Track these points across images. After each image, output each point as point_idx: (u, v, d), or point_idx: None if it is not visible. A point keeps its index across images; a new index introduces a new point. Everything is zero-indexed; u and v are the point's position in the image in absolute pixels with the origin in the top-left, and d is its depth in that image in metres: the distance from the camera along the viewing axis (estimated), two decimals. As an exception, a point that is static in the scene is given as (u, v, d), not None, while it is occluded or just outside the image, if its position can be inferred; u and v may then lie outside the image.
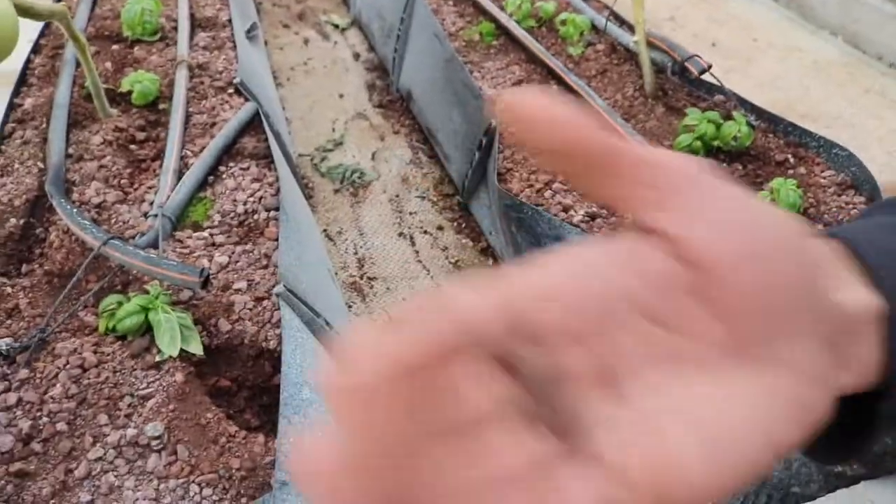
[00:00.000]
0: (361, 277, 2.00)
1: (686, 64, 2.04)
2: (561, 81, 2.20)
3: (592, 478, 0.26)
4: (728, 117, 1.91)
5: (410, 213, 2.27)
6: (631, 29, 2.43)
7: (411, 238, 2.17)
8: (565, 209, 1.70)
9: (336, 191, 2.32)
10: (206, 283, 1.21)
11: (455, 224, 2.23)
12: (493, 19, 2.56)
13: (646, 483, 0.26)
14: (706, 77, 2.10)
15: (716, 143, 1.87)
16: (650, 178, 0.30)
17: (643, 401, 0.27)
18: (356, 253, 2.09)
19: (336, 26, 3.53)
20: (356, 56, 3.24)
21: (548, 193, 1.75)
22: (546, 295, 0.27)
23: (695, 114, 1.92)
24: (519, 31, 2.43)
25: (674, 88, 2.16)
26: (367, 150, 2.55)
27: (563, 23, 2.41)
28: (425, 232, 2.19)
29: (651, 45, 2.15)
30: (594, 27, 2.46)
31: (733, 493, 0.30)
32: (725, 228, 0.30)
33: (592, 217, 1.68)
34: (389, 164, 2.49)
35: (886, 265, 0.43)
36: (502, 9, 2.59)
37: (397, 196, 2.33)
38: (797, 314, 0.31)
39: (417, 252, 2.12)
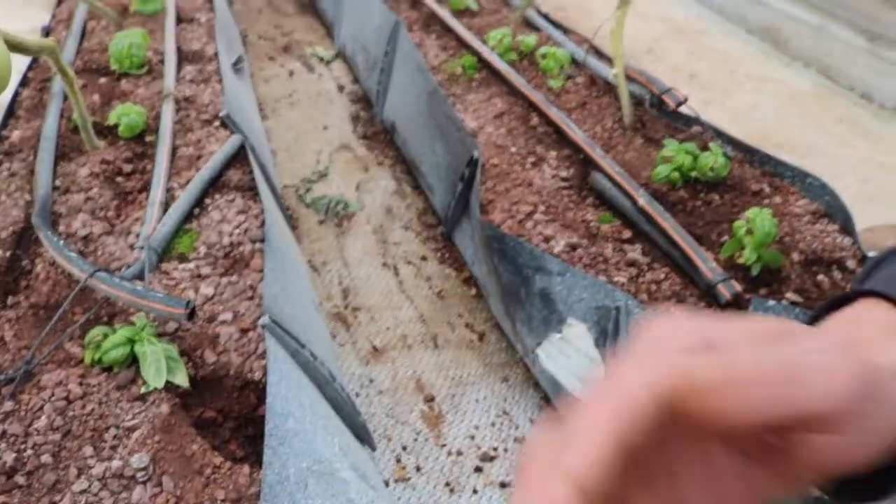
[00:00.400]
0: (346, 308, 2.02)
1: (663, 97, 2.08)
2: (541, 114, 2.24)
3: None
4: (705, 148, 1.95)
5: (394, 244, 2.29)
6: (610, 62, 2.48)
7: (395, 268, 2.19)
8: (546, 239, 1.73)
9: (321, 222, 2.35)
10: (192, 315, 1.22)
11: (438, 254, 2.25)
12: (475, 53, 2.60)
13: None
14: (684, 109, 2.15)
15: (693, 173, 1.91)
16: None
17: None
18: (341, 283, 2.11)
19: (321, 59, 3.57)
20: (341, 88, 3.28)
21: (529, 224, 1.78)
22: None
23: (672, 145, 1.96)
24: (500, 65, 2.47)
25: (652, 120, 2.20)
26: (352, 181, 2.58)
27: (544, 56, 2.46)
28: (409, 262, 2.22)
29: (630, 78, 2.20)
30: (574, 60, 2.51)
31: None
32: None
33: (573, 247, 1.70)
34: (374, 194, 2.52)
35: None
36: (484, 42, 2.63)
37: (381, 226, 2.36)
38: None
39: (401, 282, 2.14)
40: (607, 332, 1.53)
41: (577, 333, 1.58)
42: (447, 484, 1.61)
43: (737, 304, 1.57)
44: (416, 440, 1.70)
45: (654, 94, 2.13)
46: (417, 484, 1.61)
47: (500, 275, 1.74)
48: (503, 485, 1.61)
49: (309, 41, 3.80)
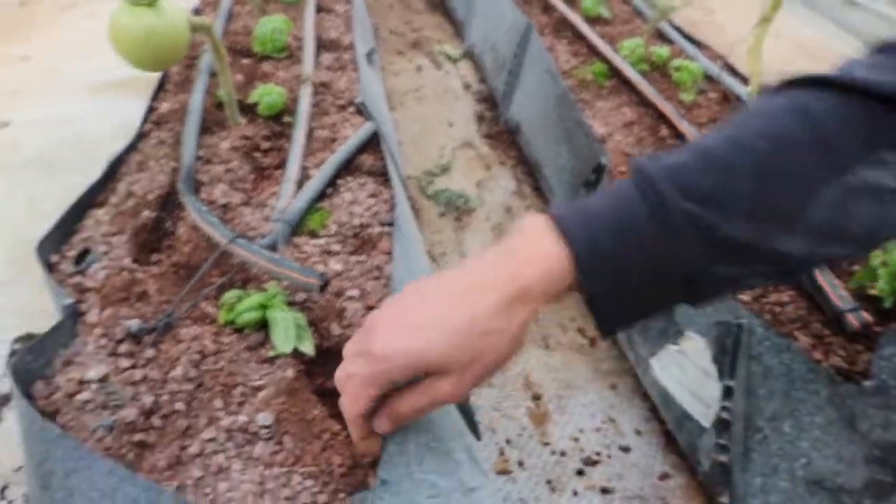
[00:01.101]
0: (460, 300, 2.04)
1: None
2: (671, 126, 2.21)
3: None
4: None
5: (511, 242, 2.31)
6: (744, 80, 2.44)
7: (510, 266, 2.21)
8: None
9: (441, 214, 2.39)
10: (324, 287, 1.27)
11: (554, 257, 2.26)
12: (607, 60, 2.59)
13: None
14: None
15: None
16: None
17: None
18: (456, 275, 2.14)
19: (449, 57, 3.62)
20: (467, 86, 3.33)
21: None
22: None
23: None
24: (632, 74, 2.46)
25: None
26: (473, 178, 2.61)
27: (678, 69, 2.43)
28: (524, 262, 2.23)
29: (766, 96, 2.15)
30: (707, 76, 2.48)
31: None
32: None
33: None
34: (494, 193, 2.54)
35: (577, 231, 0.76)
36: (616, 51, 2.62)
37: (500, 224, 2.38)
38: None
39: (515, 280, 2.15)
40: (726, 348, 1.51)
41: (695, 347, 1.56)
42: (548, 482, 1.62)
43: (865, 334, 1.52)
44: (520, 435, 1.71)
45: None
46: (519, 478, 1.62)
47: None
48: (604, 490, 1.61)
49: (438, 39, 3.87)
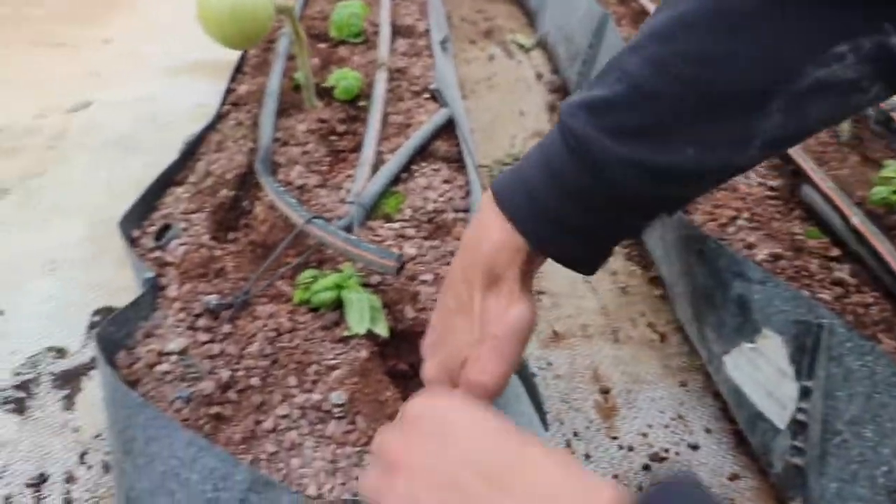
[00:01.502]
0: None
1: (892, 114, 1.96)
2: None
3: None
4: (931, 173, 1.83)
5: (581, 234, 2.29)
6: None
7: (580, 258, 2.19)
8: (748, 246, 1.68)
9: (510, 203, 2.38)
10: (400, 269, 1.28)
11: (625, 250, 2.23)
12: (685, 52, 2.54)
13: None
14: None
15: (915, 198, 1.79)
16: None
17: None
18: (525, 265, 2.13)
19: (521, 46, 3.60)
20: (539, 76, 3.30)
21: (731, 229, 1.73)
22: None
23: (894, 166, 1.84)
24: (711, 66, 2.40)
25: (871, 139, 2.08)
26: (543, 168, 2.60)
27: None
28: (594, 253, 2.21)
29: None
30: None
31: None
32: None
33: (776, 258, 1.64)
34: (563, 183, 2.52)
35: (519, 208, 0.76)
36: (695, 42, 2.57)
37: (569, 215, 2.36)
38: None
39: (585, 272, 2.14)
40: (805, 348, 1.47)
41: (772, 346, 1.53)
42: (615, 476, 1.60)
43: (953, 339, 1.47)
44: (587, 428, 1.70)
45: (881, 110, 2.01)
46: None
47: (695, 277, 1.70)
48: (671, 486, 1.58)
49: (510, 28, 3.85)
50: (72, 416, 1.76)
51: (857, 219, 1.69)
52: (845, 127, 2.06)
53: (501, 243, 0.77)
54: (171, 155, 1.98)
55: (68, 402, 1.80)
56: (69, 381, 1.86)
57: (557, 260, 0.80)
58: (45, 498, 1.58)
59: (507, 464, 0.55)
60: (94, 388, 1.83)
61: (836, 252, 1.71)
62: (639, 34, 0.74)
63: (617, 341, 1.92)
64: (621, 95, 0.69)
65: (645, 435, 1.69)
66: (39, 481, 1.62)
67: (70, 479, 1.62)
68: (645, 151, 0.68)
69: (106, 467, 1.65)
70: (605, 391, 1.78)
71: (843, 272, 1.64)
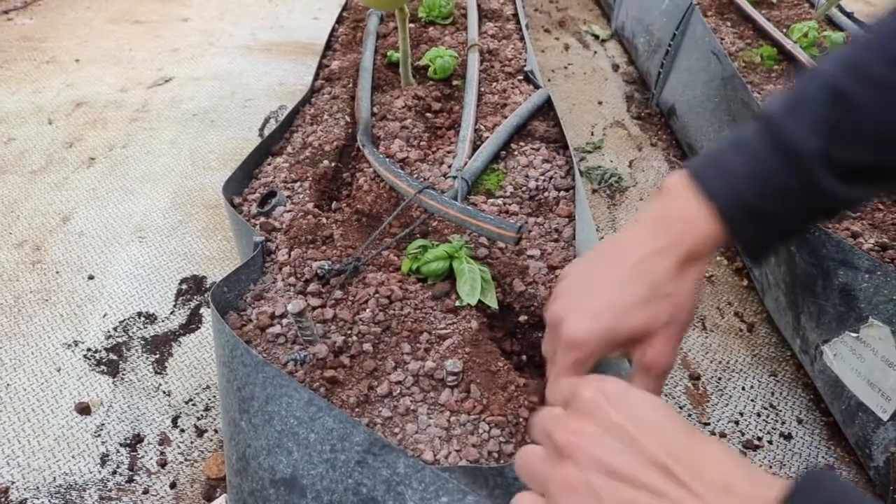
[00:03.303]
0: (615, 275, 2.02)
1: None
2: (848, 112, 2.11)
3: None
4: None
5: (665, 223, 2.27)
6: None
7: (666, 246, 2.17)
8: (853, 235, 1.64)
9: (594, 190, 2.36)
10: (518, 241, 1.27)
11: (710, 240, 2.21)
12: (776, 44, 2.50)
13: None
14: None
15: None
16: None
17: None
18: (611, 251, 2.11)
19: (596, 37, 3.57)
20: (615, 67, 3.27)
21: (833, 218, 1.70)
22: None
23: None
24: (804, 58, 2.36)
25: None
26: (625, 158, 2.57)
27: (856, 54, 2.32)
28: (680, 243, 2.19)
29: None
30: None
31: None
32: None
33: (883, 247, 1.61)
34: (646, 173, 2.50)
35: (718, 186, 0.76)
36: (786, 35, 2.53)
37: (653, 204, 2.34)
38: None
39: (671, 261, 2.11)
40: (916, 340, 1.43)
41: (878, 335, 1.49)
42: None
43: None
44: (679, 413, 1.68)
45: None
46: (678, 457, 1.59)
47: (796, 265, 1.67)
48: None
49: (584, 19, 3.82)
50: (163, 381, 1.79)
51: (966, 212, 1.65)
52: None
53: (700, 227, 0.79)
54: (251, 130, 2.00)
55: (159, 367, 1.83)
56: (159, 346, 1.89)
57: (743, 246, 0.81)
58: (140, 458, 1.60)
59: (689, 459, 0.54)
60: (183, 353, 1.86)
61: (943, 246, 1.67)
62: (873, 35, 0.75)
63: (705, 329, 1.90)
64: (821, 97, 0.72)
65: (737, 423, 1.67)
66: (135, 441, 1.65)
67: (164, 440, 1.65)
68: (840, 149, 0.71)
69: (199, 432, 1.67)
70: (695, 378, 1.76)
71: (952, 266, 1.60)
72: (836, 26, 2.73)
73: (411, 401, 1.18)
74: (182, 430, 1.66)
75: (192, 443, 1.63)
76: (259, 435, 1.13)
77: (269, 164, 1.73)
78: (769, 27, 2.58)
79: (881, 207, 1.76)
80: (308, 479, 1.07)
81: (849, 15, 2.78)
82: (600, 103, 2.92)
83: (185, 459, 1.60)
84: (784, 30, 2.59)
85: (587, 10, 3.93)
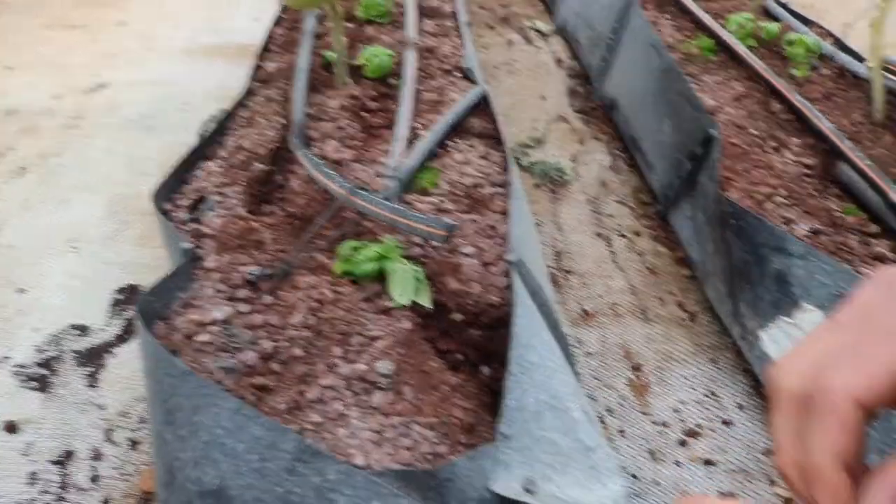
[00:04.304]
0: (558, 269, 2.01)
1: (930, 93, 1.94)
2: (783, 101, 2.14)
3: None
4: (969, 155, 1.80)
5: (608, 216, 2.27)
6: (857, 58, 2.34)
7: (608, 239, 2.17)
8: (787, 222, 1.65)
9: (536, 185, 2.36)
10: (448, 238, 1.25)
11: (652, 231, 2.21)
12: (713, 35, 2.52)
13: None
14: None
15: (952, 178, 1.77)
16: None
17: None
18: (554, 246, 2.11)
19: (540, 32, 3.57)
20: (559, 62, 3.28)
21: (768, 206, 1.71)
22: None
23: (932, 147, 1.82)
24: (741, 49, 2.38)
25: (904, 120, 2.06)
26: (567, 152, 2.57)
27: (791, 43, 2.35)
28: (622, 235, 2.19)
29: (887, 72, 2.06)
30: (821, 53, 2.38)
31: None
32: None
33: (816, 233, 1.62)
34: (589, 167, 2.50)
35: None
36: (723, 26, 2.54)
37: (596, 198, 2.34)
38: None
39: (614, 253, 2.11)
40: (850, 325, 1.44)
41: (812, 320, 1.50)
42: (650, 452, 1.58)
43: None
44: (621, 405, 1.68)
45: (917, 90, 1.99)
46: (620, 447, 1.59)
47: (732, 253, 1.67)
48: (708, 462, 1.56)
49: (527, 14, 3.82)
50: (96, 394, 1.73)
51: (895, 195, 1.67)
52: (878, 107, 2.03)
53: None
54: (190, 135, 1.96)
55: (92, 380, 1.77)
56: (92, 358, 1.83)
57: None
58: (71, 475, 1.56)
59: None
60: (117, 365, 1.81)
61: (874, 229, 1.69)
62: None
63: (647, 320, 1.90)
64: None
65: (678, 411, 1.67)
66: (66, 458, 1.60)
67: (97, 456, 1.60)
68: None
69: (133, 444, 1.62)
70: (636, 368, 1.76)
71: (882, 248, 1.62)
72: (771, 17, 2.76)
73: (343, 405, 1.16)
74: (116, 444, 1.61)
75: (126, 457, 1.59)
76: (185, 447, 1.09)
77: (202, 169, 1.69)
78: (706, 19, 2.60)
79: (814, 194, 1.78)
80: (236, 489, 1.04)
81: (784, 6, 2.81)
82: (543, 98, 2.92)
83: (120, 474, 1.55)
84: (721, 21, 2.61)
85: (531, 6, 3.94)
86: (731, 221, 1.65)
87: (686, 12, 2.75)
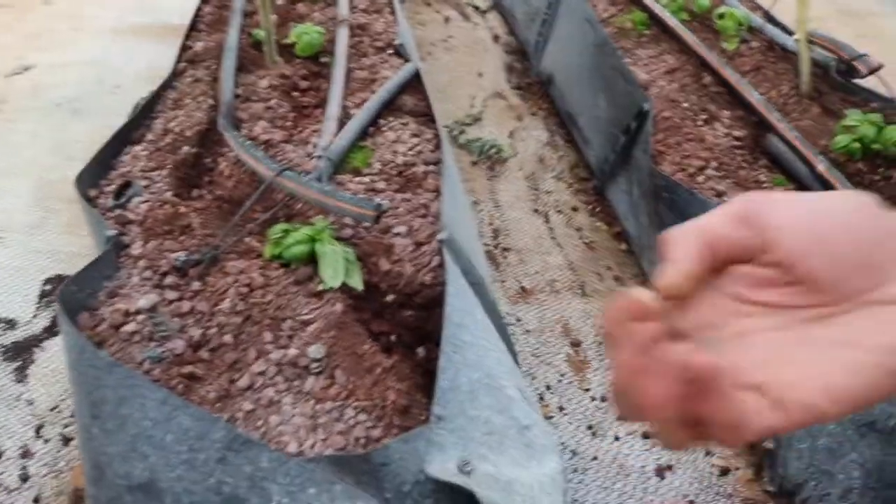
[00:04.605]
0: (496, 247, 2.01)
1: (855, 63, 1.97)
2: (714, 74, 2.16)
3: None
4: (891, 122, 1.84)
5: (546, 192, 2.27)
6: (785, 31, 2.37)
7: (546, 215, 2.17)
8: (718, 195, 1.67)
9: (473, 163, 2.35)
10: (377, 219, 1.24)
11: (589, 207, 2.22)
12: (646, 9, 2.53)
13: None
14: (865, 83, 2.04)
15: (875, 146, 1.81)
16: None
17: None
18: (491, 223, 2.10)
19: (477, 8, 3.55)
20: (496, 38, 3.26)
21: (700, 178, 1.73)
22: None
23: (855, 115, 1.86)
24: (673, 22, 2.39)
25: (829, 90, 2.09)
26: (505, 128, 2.57)
27: (721, 16, 2.37)
28: (560, 211, 2.20)
29: (814, 45, 2.09)
30: (750, 26, 2.41)
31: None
32: (795, 227, 0.41)
33: (747, 206, 1.65)
34: (526, 143, 2.50)
35: None
36: (656, 0, 2.56)
37: (533, 174, 2.34)
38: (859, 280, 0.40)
39: (552, 229, 2.12)
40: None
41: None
42: (589, 427, 1.59)
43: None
44: (560, 382, 1.69)
45: (842, 60, 2.02)
46: (560, 423, 1.60)
47: (665, 227, 1.69)
48: (646, 436, 1.59)
49: (464, -9, 3.80)
50: (25, 389, 1.68)
51: (822, 166, 1.70)
52: (805, 79, 2.06)
53: None
54: (120, 117, 1.89)
55: (20, 375, 1.72)
56: (20, 352, 1.78)
57: None
58: None
59: None
60: (47, 359, 1.76)
61: (804, 201, 1.72)
62: None
63: (585, 295, 1.91)
64: None
65: (618, 388, 1.70)
66: (-6, 456, 1.55)
67: (26, 453, 1.56)
68: None
69: (65, 440, 1.58)
70: (575, 344, 1.77)
71: (812, 221, 1.65)
72: (704, -10, 2.78)
73: (275, 391, 1.14)
74: (46, 441, 1.57)
75: (57, 452, 1.54)
76: (112, 441, 1.07)
77: (128, 154, 1.65)
78: (639, -8, 2.61)
79: (744, 166, 1.80)
80: (166, 482, 1.02)
81: (716, -22, 2.83)
82: (480, 75, 2.91)
83: (51, 471, 1.51)
84: (654, -5, 2.62)
85: (468, -18, 3.92)
86: (664, 195, 1.66)
87: (619, -14, 2.75)
